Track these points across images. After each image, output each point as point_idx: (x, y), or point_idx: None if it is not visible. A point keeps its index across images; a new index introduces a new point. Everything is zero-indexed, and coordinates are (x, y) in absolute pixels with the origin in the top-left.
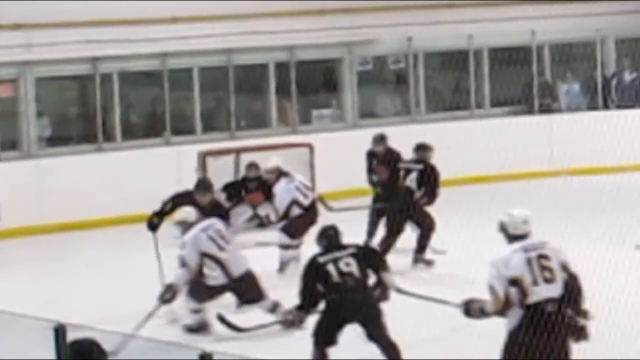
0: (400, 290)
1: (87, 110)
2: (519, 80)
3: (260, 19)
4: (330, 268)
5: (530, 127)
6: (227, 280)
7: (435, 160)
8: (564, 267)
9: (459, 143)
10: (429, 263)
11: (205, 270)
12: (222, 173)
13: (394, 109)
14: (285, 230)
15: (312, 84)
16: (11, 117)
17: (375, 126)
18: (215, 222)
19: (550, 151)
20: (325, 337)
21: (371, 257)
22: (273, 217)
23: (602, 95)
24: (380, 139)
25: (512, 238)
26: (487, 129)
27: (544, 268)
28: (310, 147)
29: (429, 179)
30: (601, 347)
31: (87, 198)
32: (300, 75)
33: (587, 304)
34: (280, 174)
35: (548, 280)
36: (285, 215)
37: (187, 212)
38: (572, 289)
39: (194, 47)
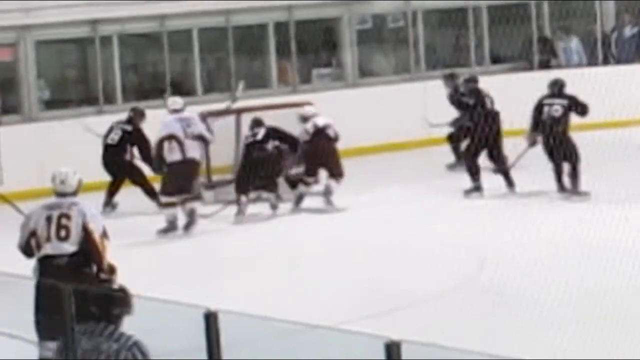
0: None
1: (87, 73)
2: (519, 37)
3: None
4: (546, 108)
5: (530, 83)
6: None
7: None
8: (85, 228)
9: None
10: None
11: None
12: (223, 134)
13: (394, 67)
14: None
15: (312, 44)
16: (11, 81)
17: (375, 85)
18: None
19: None
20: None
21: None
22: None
23: (602, 51)
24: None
25: (58, 194)
26: (487, 86)
27: (60, 226)
28: (310, 106)
29: None
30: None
31: (88, 160)
32: (300, 35)
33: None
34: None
35: (62, 238)
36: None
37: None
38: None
39: (193, 9)
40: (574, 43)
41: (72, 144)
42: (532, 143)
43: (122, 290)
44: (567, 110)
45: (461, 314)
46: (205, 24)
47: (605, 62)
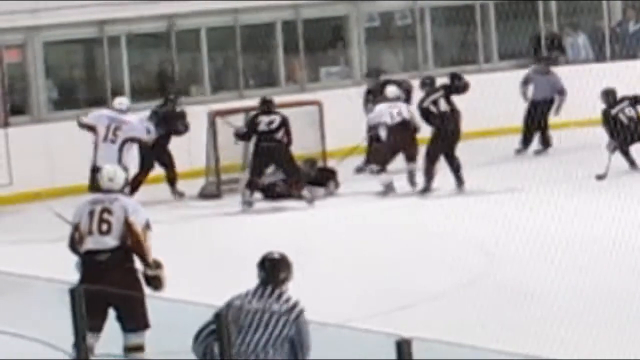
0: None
1: (95, 73)
2: (526, 33)
3: None
4: (621, 116)
5: None
6: None
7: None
8: (126, 222)
9: (467, 97)
10: None
11: None
12: (231, 132)
13: (402, 64)
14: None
15: (320, 42)
16: (20, 82)
17: None
18: None
19: (559, 103)
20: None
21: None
22: None
23: (609, 47)
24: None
25: (104, 191)
26: (495, 82)
27: (102, 220)
28: (319, 104)
29: None
30: None
31: None
32: (308, 33)
33: None
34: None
35: (103, 232)
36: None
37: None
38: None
39: (201, 8)
40: (582, 39)
41: (81, 144)
42: (613, 150)
43: (282, 257)
44: (635, 107)
45: (472, 311)
46: (213, 23)
47: (613, 57)
